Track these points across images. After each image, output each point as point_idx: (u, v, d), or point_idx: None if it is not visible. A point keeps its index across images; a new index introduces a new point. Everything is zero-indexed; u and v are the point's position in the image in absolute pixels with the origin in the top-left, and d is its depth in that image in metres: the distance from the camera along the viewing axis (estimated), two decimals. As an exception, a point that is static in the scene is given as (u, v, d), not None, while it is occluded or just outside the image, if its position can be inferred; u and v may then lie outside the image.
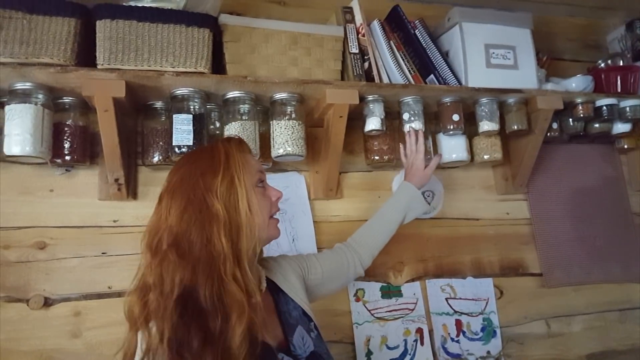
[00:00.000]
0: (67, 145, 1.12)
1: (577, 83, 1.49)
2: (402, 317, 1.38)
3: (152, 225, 0.76)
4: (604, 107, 1.44)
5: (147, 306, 0.68)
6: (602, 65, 1.57)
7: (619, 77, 1.52)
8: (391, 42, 1.32)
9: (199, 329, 0.65)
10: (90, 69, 1.02)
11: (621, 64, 1.58)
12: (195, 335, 0.65)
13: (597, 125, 1.52)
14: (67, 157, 1.12)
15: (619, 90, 1.51)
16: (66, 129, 1.12)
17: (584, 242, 1.61)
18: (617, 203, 1.70)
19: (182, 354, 0.64)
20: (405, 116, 1.30)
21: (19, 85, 1.03)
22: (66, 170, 1.21)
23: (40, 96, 1.05)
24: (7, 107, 1.03)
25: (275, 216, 0.87)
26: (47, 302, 1.14)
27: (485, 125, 1.35)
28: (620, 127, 1.52)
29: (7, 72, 0.99)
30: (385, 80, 1.28)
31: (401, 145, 1.29)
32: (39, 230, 1.17)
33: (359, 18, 1.29)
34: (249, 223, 0.76)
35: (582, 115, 1.43)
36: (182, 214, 0.73)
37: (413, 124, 1.28)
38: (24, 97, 1.03)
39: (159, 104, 1.20)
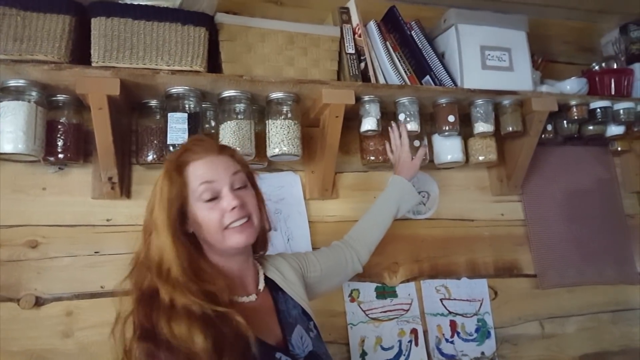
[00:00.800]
0: (60, 143, 1.11)
1: (572, 85, 1.49)
2: (396, 317, 1.37)
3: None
4: (598, 110, 1.45)
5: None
6: (597, 68, 1.58)
7: (613, 80, 1.53)
8: (387, 42, 1.32)
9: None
10: (85, 67, 1.01)
11: (615, 66, 1.59)
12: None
13: (591, 127, 1.53)
14: (60, 155, 1.11)
15: (613, 92, 1.51)
16: (59, 126, 1.11)
17: (577, 244, 1.62)
18: (610, 205, 1.71)
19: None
20: (401, 117, 1.30)
21: (12, 83, 1.02)
22: (59, 168, 1.20)
23: (34, 93, 1.04)
24: (-1, 104, 1.02)
25: (235, 224, 0.78)
26: (39, 302, 1.12)
27: (481, 127, 1.36)
28: (614, 130, 1.53)
29: (0, 69, 0.98)
30: (382, 80, 1.28)
31: (386, 142, 1.30)
32: (31, 229, 1.16)
33: (355, 18, 1.29)
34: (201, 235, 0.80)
35: (576, 117, 1.44)
36: (143, 234, 0.80)
37: (407, 125, 1.28)
38: (17, 94, 1.02)
39: (153, 103, 1.19)
